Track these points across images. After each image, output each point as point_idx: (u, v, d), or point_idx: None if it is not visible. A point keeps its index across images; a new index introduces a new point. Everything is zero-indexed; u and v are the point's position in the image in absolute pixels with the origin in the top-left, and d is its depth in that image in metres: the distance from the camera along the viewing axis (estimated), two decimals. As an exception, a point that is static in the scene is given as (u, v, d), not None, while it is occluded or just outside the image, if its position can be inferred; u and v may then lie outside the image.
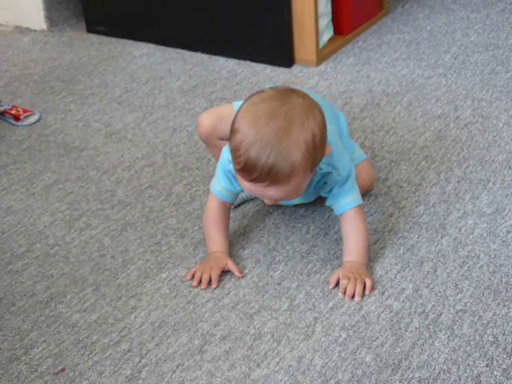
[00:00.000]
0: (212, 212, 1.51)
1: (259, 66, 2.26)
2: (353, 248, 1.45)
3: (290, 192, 1.33)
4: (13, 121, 2.04)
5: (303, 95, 1.34)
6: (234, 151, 1.31)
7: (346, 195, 1.45)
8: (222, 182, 1.49)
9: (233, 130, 1.32)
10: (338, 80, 2.16)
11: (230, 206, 1.55)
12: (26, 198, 1.74)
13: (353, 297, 1.39)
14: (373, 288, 1.41)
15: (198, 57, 2.35)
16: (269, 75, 2.21)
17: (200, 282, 1.45)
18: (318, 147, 1.31)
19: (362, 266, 1.44)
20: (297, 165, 1.28)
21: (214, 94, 2.14)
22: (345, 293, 1.40)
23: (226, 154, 1.46)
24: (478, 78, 2.10)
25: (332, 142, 1.40)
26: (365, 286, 1.40)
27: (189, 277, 1.46)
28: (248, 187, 1.34)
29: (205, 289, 1.43)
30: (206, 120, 1.58)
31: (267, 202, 1.40)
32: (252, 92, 1.44)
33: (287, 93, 1.34)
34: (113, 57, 2.41)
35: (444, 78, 2.13)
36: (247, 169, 1.29)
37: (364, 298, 1.39)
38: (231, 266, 1.47)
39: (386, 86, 2.10)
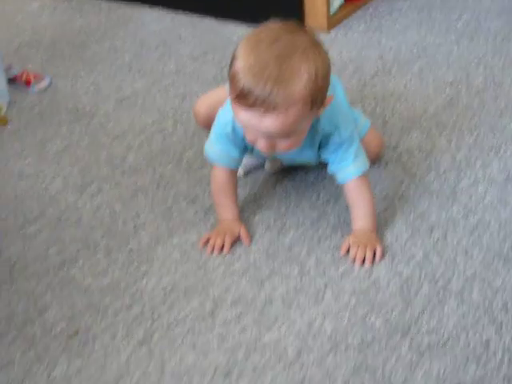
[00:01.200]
0: (218, 180, 1.50)
1: (270, 32, 2.24)
2: (361, 216, 1.45)
3: (286, 126, 1.26)
4: (24, 86, 2.04)
5: (312, 35, 1.30)
6: (232, 78, 1.26)
7: (350, 163, 1.43)
8: (217, 146, 1.46)
9: (232, 59, 1.28)
10: (348, 46, 2.15)
11: (236, 173, 1.52)
12: (38, 163, 1.75)
13: (363, 263, 1.40)
14: (383, 254, 1.41)
15: (208, 22, 2.34)
16: (279, 41, 2.20)
17: (213, 248, 1.45)
18: (319, 83, 1.25)
19: (371, 233, 1.44)
20: (296, 93, 1.23)
21: (224, 60, 2.13)
22: (355, 259, 1.41)
23: (222, 116, 1.44)
24: (491, 45, 2.09)
25: (335, 103, 1.38)
26: (375, 253, 1.41)
27: (201, 244, 1.47)
28: (243, 119, 1.28)
29: (218, 255, 1.44)
30: (201, 109, 1.58)
31: (264, 147, 1.32)
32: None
33: (296, 27, 1.30)
34: (122, 22, 2.40)
35: (456, 44, 2.11)
36: (244, 93, 1.23)
37: (374, 264, 1.40)
38: (243, 233, 1.47)
39: (397, 53, 2.09)
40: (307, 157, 1.48)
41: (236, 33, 2.26)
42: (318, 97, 1.27)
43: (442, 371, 1.19)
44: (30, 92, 2.03)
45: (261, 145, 1.32)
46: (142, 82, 2.06)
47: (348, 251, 1.42)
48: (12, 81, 2.05)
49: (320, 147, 1.44)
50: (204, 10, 2.36)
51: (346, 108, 1.49)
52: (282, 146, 1.32)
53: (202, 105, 1.59)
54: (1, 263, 1.46)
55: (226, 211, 1.50)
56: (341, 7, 2.30)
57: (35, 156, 1.78)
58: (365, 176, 1.46)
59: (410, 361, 1.21)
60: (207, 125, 1.54)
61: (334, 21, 2.25)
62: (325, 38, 2.19)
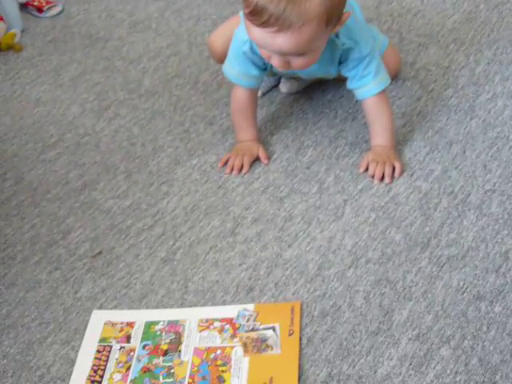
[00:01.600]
0: (238, 100, 1.49)
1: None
2: (380, 132, 1.45)
3: (300, 45, 1.23)
4: (36, 12, 2.02)
5: None
6: None
7: (371, 80, 1.41)
8: (235, 65, 1.44)
9: None
10: (364, -37, 2.10)
11: (256, 93, 1.51)
12: (54, 89, 1.75)
13: (382, 179, 1.40)
14: (402, 171, 1.41)
15: None
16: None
17: (232, 168, 1.46)
18: (335, 0, 1.23)
19: (390, 150, 1.44)
20: (310, 10, 1.20)
21: (238, -19, 2.10)
22: (374, 176, 1.41)
23: (238, 35, 1.41)
24: (510, -43, 2.04)
25: (354, 19, 1.35)
26: (394, 169, 1.41)
27: (220, 164, 1.48)
28: (256, 36, 1.25)
29: (237, 175, 1.45)
30: (217, 42, 1.55)
31: (278, 64, 1.29)
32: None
33: None
34: None
35: (474, -43, 2.06)
36: (257, 10, 1.20)
37: (393, 180, 1.40)
38: (261, 152, 1.48)
39: (413, -32, 2.05)
40: (327, 72, 1.47)
41: (248, -48, 2.22)
42: (333, 14, 1.24)
43: (461, 282, 1.21)
44: (43, 18, 2.01)
45: (275, 62, 1.30)
46: (155, 5, 2.03)
47: (367, 168, 1.43)
48: (24, 6, 2.03)
49: (340, 63, 1.42)
50: None
51: (364, 25, 1.47)
52: (297, 63, 1.30)
53: (216, 37, 1.56)
54: (23, 188, 1.48)
55: (245, 132, 1.50)
56: None
57: (51, 82, 1.78)
58: (384, 92, 1.44)
59: (430, 273, 1.23)
60: (222, 57, 1.50)
61: None
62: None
